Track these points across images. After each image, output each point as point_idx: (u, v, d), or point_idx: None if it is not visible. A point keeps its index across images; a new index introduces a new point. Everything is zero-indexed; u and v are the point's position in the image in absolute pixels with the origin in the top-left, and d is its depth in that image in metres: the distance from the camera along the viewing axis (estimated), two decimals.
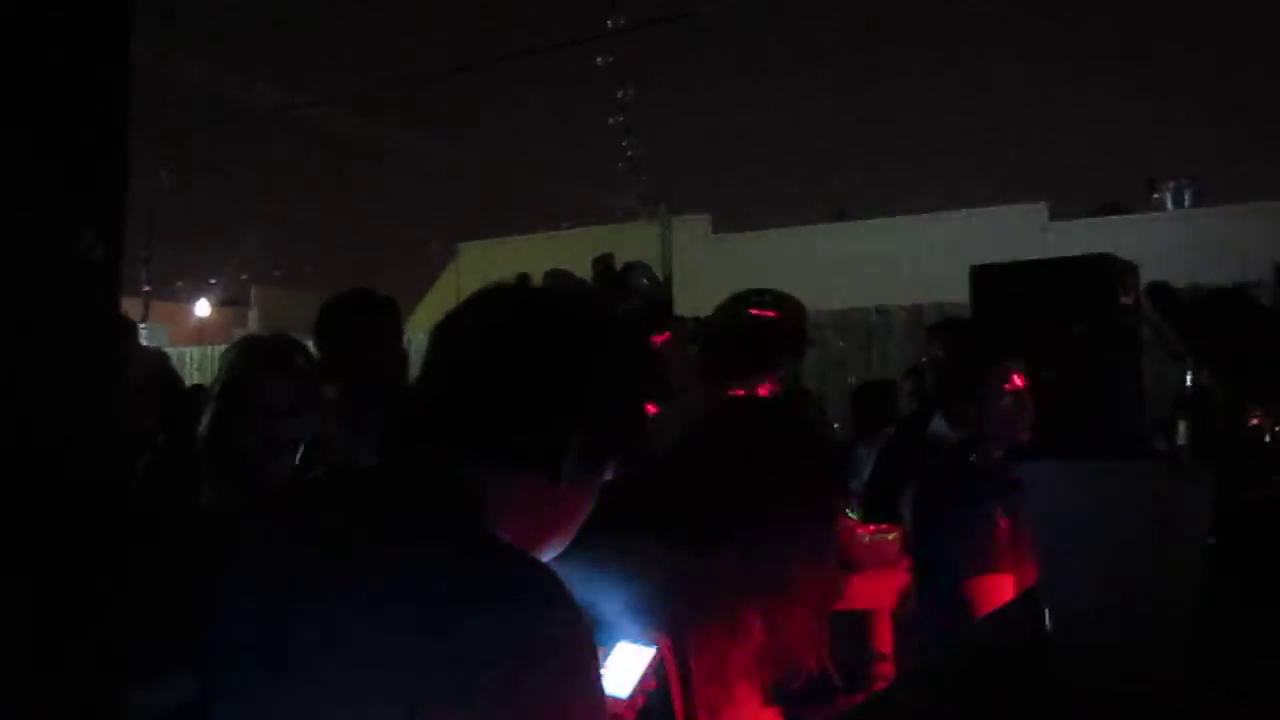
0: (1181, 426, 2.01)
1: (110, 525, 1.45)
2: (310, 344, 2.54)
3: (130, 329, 2.74)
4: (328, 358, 2.54)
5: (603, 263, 3.89)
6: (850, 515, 2.59)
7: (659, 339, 2.35)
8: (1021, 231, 12.48)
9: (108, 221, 1.43)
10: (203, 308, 22.91)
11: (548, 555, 1.08)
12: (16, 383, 1.33)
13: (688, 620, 1.53)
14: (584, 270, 3.77)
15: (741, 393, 2.19)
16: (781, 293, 2.36)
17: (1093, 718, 1.09)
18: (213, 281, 21.85)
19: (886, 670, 2.39)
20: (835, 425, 5.14)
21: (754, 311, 2.26)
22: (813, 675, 1.74)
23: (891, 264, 12.92)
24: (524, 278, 1.24)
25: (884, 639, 2.61)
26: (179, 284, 21.14)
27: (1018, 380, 2.58)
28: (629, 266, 3.82)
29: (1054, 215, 13.74)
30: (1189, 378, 2.22)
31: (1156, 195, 13.79)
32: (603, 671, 1.29)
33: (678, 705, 1.39)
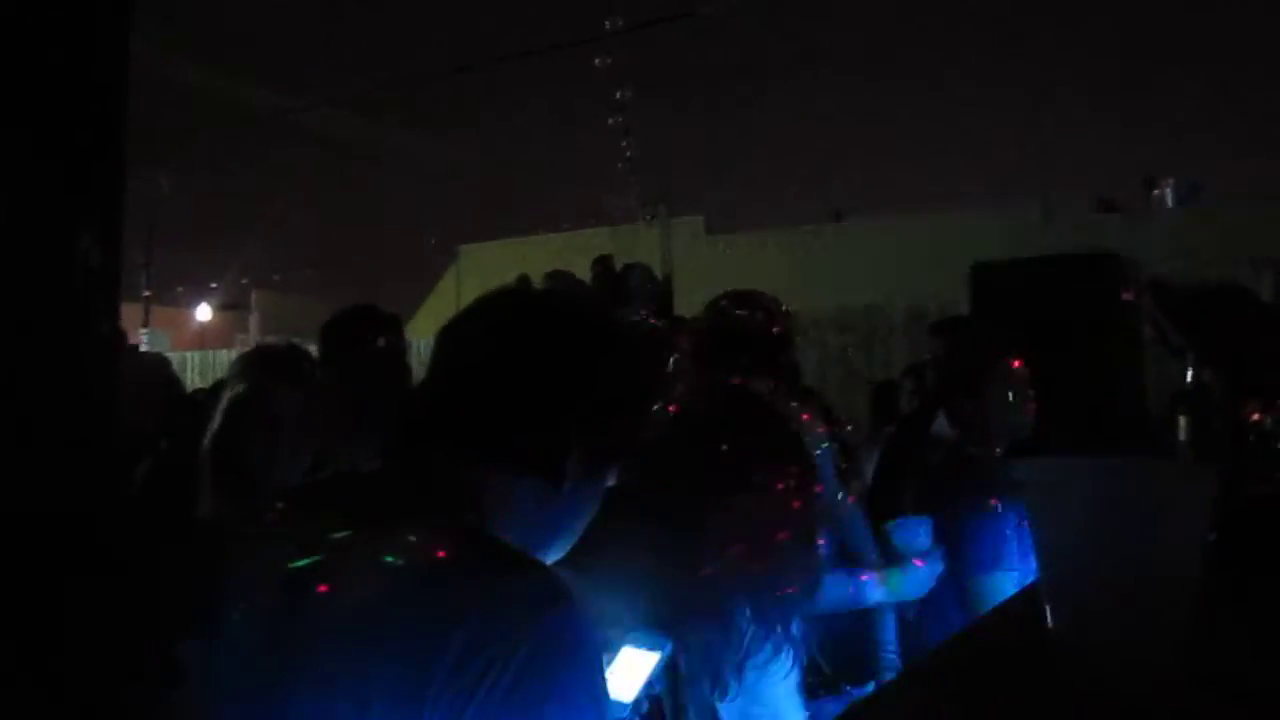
0: (1182, 423, 2.00)
1: (109, 529, 1.45)
2: (312, 351, 2.56)
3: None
4: (330, 371, 2.55)
5: (602, 264, 3.90)
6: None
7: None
8: (1020, 228, 12.49)
9: (106, 226, 1.44)
10: (203, 312, 22.92)
11: (551, 558, 1.08)
12: (16, 387, 1.33)
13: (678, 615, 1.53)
14: (584, 271, 3.78)
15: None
16: (766, 293, 2.37)
17: (1093, 714, 1.09)
18: (213, 286, 21.85)
19: (892, 664, 2.39)
20: (849, 427, 5.14)
21: (740, 312, 2.27)
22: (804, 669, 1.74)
23: (890, 262, 12.92)
24: (524, 279, 1.24)
25: (887, 634, 2.62)
26: (179, 289, 21.14)
27: (1018, 378, 2.58)
28: (628, 267, 3.83)
29: (1053, 212, 13.74)
30: (1189, 374, 2.21)
31: (1155, 192, 13.79)
32: (606, 675, 1.29)
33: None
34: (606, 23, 10.49)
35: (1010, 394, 2.56)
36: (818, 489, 2.05)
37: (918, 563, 2.22)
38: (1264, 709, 1.11)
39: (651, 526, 1.64)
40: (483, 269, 15.20)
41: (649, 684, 1.30)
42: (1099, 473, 1.24)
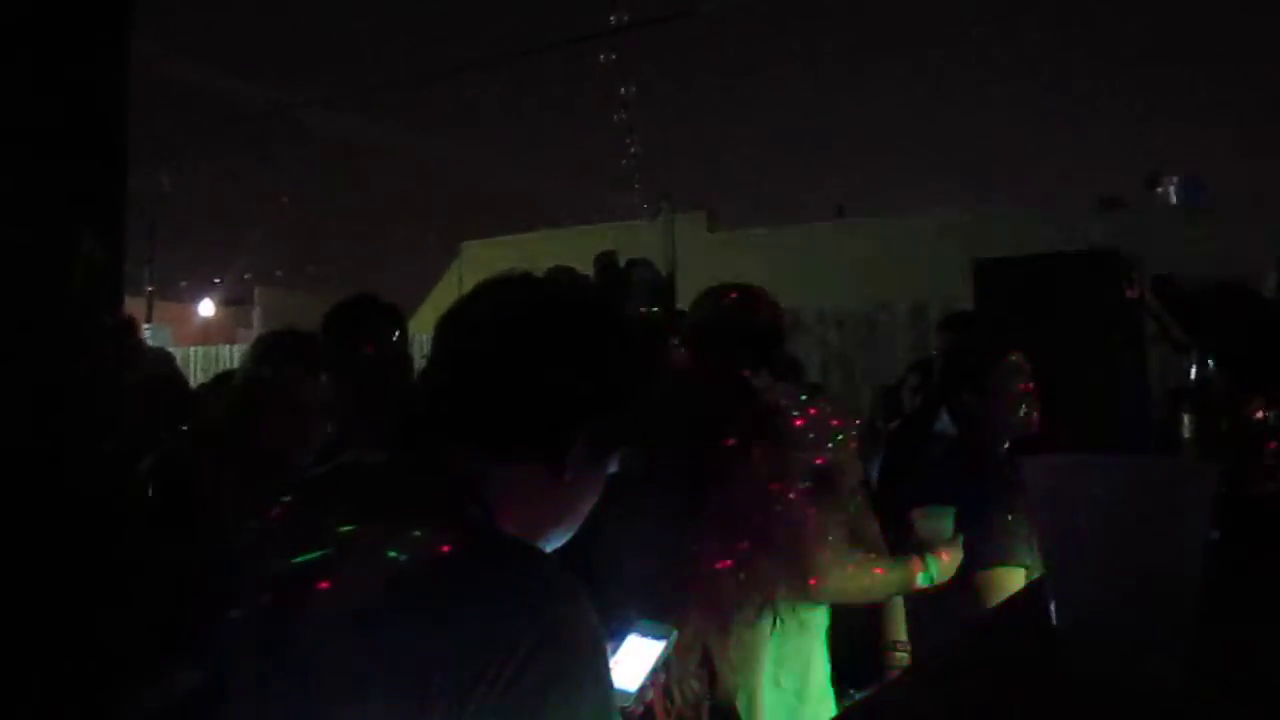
0: (1185, 421, 2.00)
1: (112, 525, 1.45)
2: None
3: (128, 322, 2.76)
4: (332, 361, 2.56)
5: (605, 260, 3.90)
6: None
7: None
8: (1024, 226, 12.48)
9: (108, 223, 1.44)
10: (206, 308, 22.94)
11: (552, 546, 1.08)
12: (20, 384, 1.33)
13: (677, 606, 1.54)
14: (586, 267, 3.77)
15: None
16: (753, 287, 2.36)
17: (1097, 709, 1.09)
18: (216, 281, 21.88)
19: (900, 659, 2.40)
20: (858, 421, 5.13)
21: (731, 304, 2.26)
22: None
23: (893, 259, 12.92)
24: (523, 273, 1.23)
25: (897, 627, 2.62)
26: (182, 284, 21.19)
27: (1022, 374, 2.58)
28: (632, 263, 3.82)
29: (1056, 209, 13.74)
30: (1193, 371, 2.21)
31: (1159, 190, 13.78)
32: (613, 664, 1.29)
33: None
34: (611, 19, 10.49)
35: (1014, 390, 2.56)
36: (833, 478, 2.05)
37: (944, 555, 2.22)
38: (1267, 702, 1.11)
39: (650, 516, 1.64)
40: (485, 266, 15.15)
41: (654, 672, 1.30)
42: (1103, 470, 1.23)
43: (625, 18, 10.55)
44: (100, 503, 1.42)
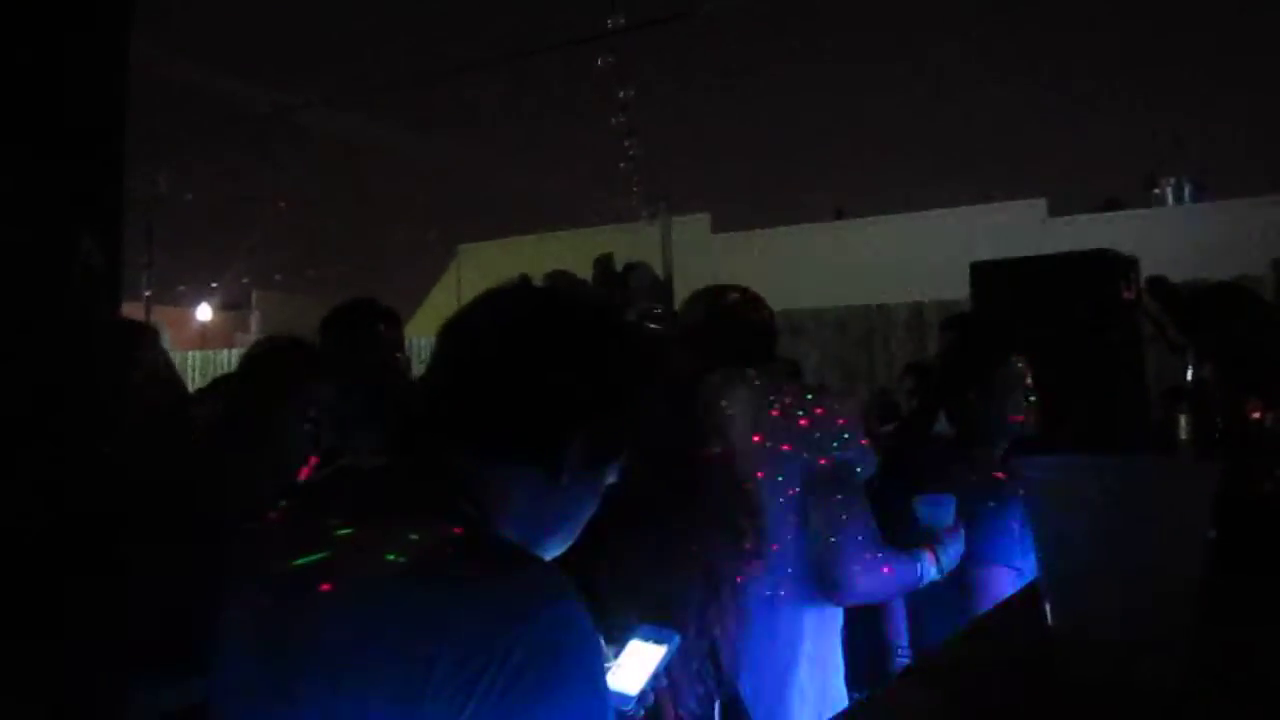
0: (1182, 421, 2.00)
1: (112, 528, 1.45)
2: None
3: (152, 335, 2.75)
4: (330, 365, 2.56)
5: (603, 263, 3.89)
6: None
7: None
8: (1021, 227, 12.49)
9: (106, 227, 1.44)
10: (204, 312, 22.92)
11: (550, 553, 1.08)
12: (19, 385, 1.33)
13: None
14: (585, 270, 3.77)
15: None
16: (746, 288, 2.35)
17: (1093, 711, 1.09)
18: (214, 286, 21.87)
19: (902, 662, 2.39)
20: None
21: (722, 305, 2.25)
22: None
23: (891, 261, 12.92)
24: (525, 278, 1.24)
25: (898, 629, 2.61)
26: (180, 288, 21.17)
27: (1018, 376, 2.59)
28: (629, 266, 3.82)
29: (1054, 211, 13.75)
30: (1190, 372, 2.21)
31: (1156, 191, 13.79)
32: (615, 668, 1.29)
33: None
34: (609, 22, 10.50)
35: (1013, 392, 2.57)
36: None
37: (950, 544, 2.21)
38: (1265, 702, 1.11)
39: (647, 525, 1.64)
40: (483, 268, 15.20)
41: (655, 677, 1.30)
42: (1100, 471, 1.24)
43: (623, 20, 10.56)
44: (99, 504, 1.42)
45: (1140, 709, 1.09)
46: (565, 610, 0.88)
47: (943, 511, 2.22)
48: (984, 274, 4.64)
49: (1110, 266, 4.42)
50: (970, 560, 2.29)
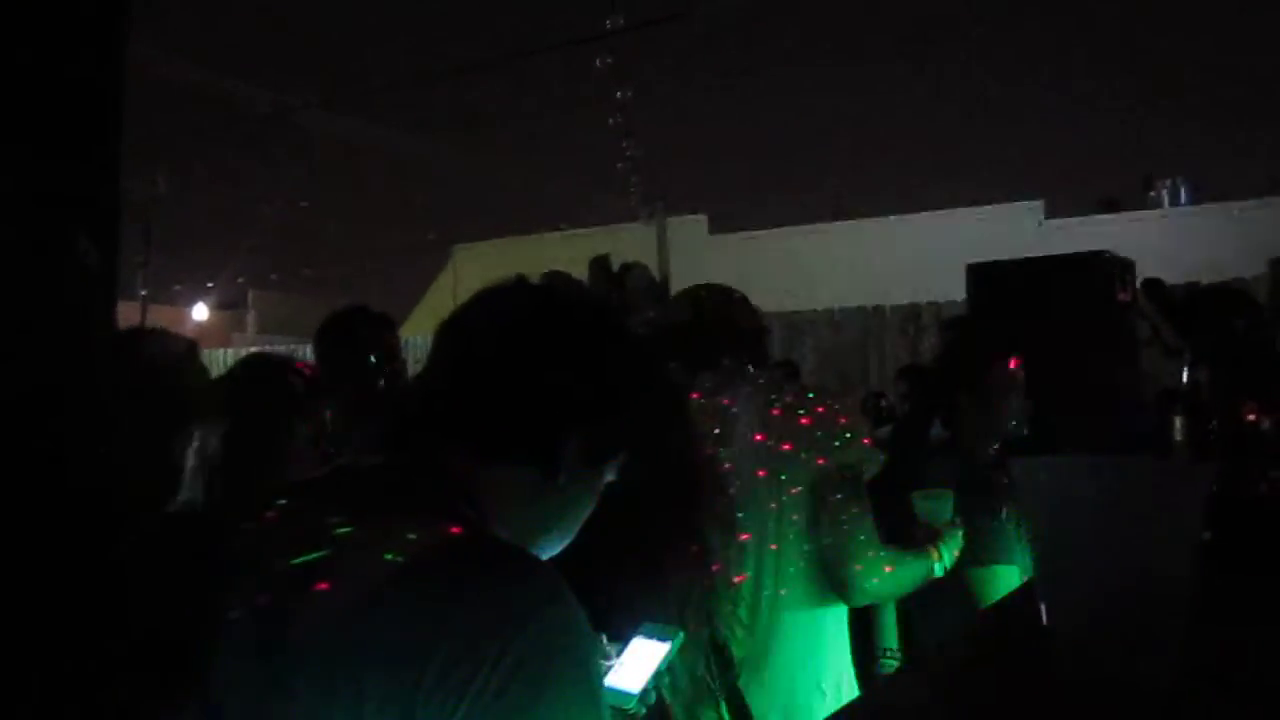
0: (1177, 423, 2.01)
1: (110, 531, 1.45)
2: (308, 350, 2.57)
3: (192, 349, 2.74)
4: (326, 371, 2.57)
5: (600, 263, 3.89)
6: None
7: None
8: (1018, 229, 12.51)
9: (102, 227, 1.43)
10: (200, 312, 22.88)
11: (548, 552, 1.08)
12: (14, 390, 1.33)
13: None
14: (581, 271, 3.77)
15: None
16: (729, 287, 2.34)
17: (1089, 710, 1.10)
18: (210, 285, 21.83)
19: (893, 667, 2.39)
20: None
21: (707, 305, 2.25)
22: None
23: (888, 263, 12.93)
24: (521, 278, 1.24)
25: (887, 634, 2.61)
26: (176, 288, 21.11)
27: (1012, 378, 2.59)
28: (626, 267, 3.82)
29: (1051, 213, 13.77)
30: (1185, 374, 2.22)
31: (1153, 193, 13.81)
32: (617, 666, 1.29)
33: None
34: (607, 22, 10.49)
35: (1007, 394, 2.57)
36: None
37: (950, 540, 2.21)
38: (1257, 701, 1.12)
39: (646, 525, 1.64)
40: (479, 268, 15.18)
41: (658, 674, 1.30)
42: (1096, 471, 1.24)
43: (621, 20, 10.55)
44: (99, 504, 1.42)
45: (1136, 708, 1.09)
46: (561, 612, 0.88)
47: (941, 507, 2.22)
48: (981, 275, 4.65)
49: (1107, 268, 4.43)
50: (964, 561, 2.29)
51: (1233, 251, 9.25)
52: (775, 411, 2.06)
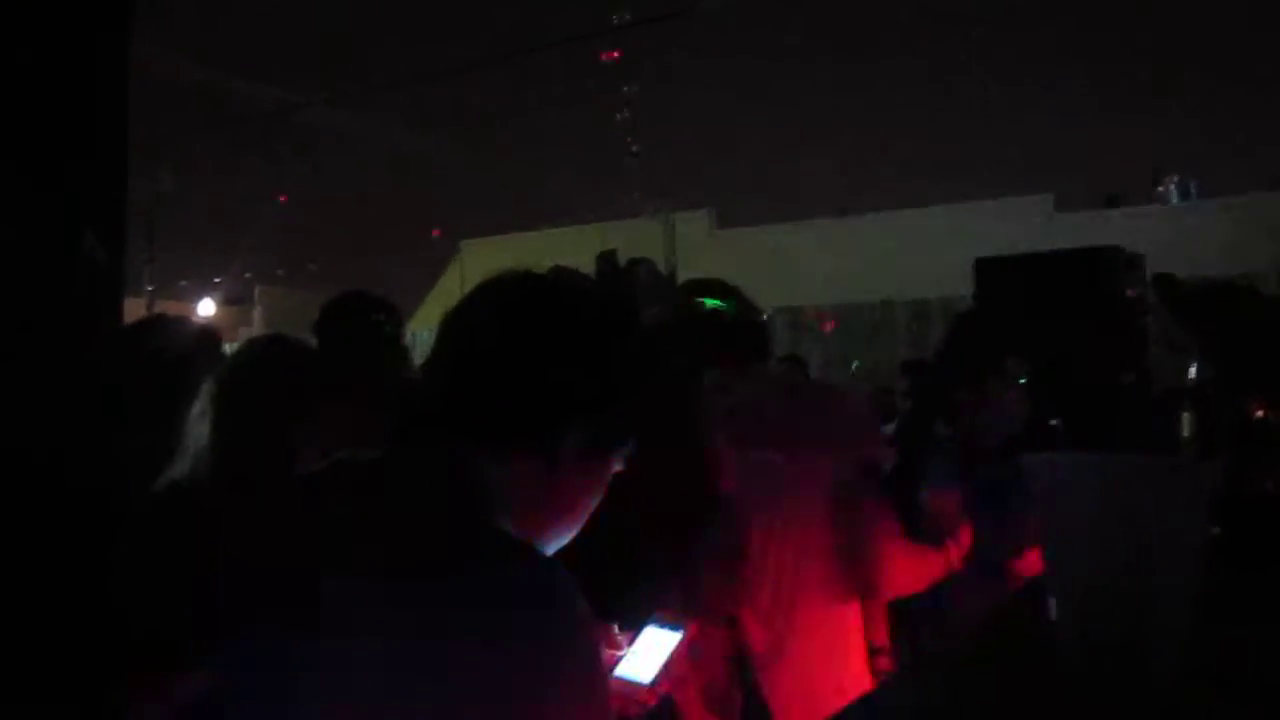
0: (1185, 419, 2.00)
1: (114, 528, 1.45)
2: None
3: (213, 338, 2.73)
4: (328, 358, 2.55)
5: (606, 259, 3.89)
6: None
7: None
8: (1025, 224, 12.46)
9: (109, 222, 1.43)
10: (207, 307, 22.91)
11: (553, 546, 1.08)
12: (20, 386, 1.33)
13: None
14: (588, 266, 3.76)
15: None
16: (720, 280, 2.33)
17: (1095, 707, 1.10)
18: (217, 281, 21.85)
19: (883, 665, 2.38)
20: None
21: (707, 301, 2.23)
22: None
23: (895, 258, 12.90)
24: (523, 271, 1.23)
25: (880, 632, 2.61)
26: (183, 283, 21.14)
27: (1014, 373, 2.58)
28: (633, 262, 3.81)
29: (1058, 208, 13.72)
30: (1193, 370, 2.21)
31: (1160, 188, 13.75)
32: (630, 655, 1.29)
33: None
34: (614, 18, 10.48)
35: (1005, 391, 2.56)
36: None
37: (963, 536, 2.20)
38: (1265, 699, 1.11)
39: (658, 520, 1.64)
40: (485, 264, 15.06)
41: (668, 663, 1.30)
42: (1102, 468, 1.24)
43: (627, 16, 10.54)
44: (98, 504, 1.42)
45: (1141, 705, 1.09)
46: (565, 604, 0.88)
47: (949, 503, 2.22)
48: (989, 270, 4.64)
49: (1115, 263, 4.42)
50: (966, 560, 2.29)
51: (1241, 246, 9.21)
52: (783, 406, 2.06)
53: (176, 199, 14.78)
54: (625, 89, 11.62)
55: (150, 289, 15.65)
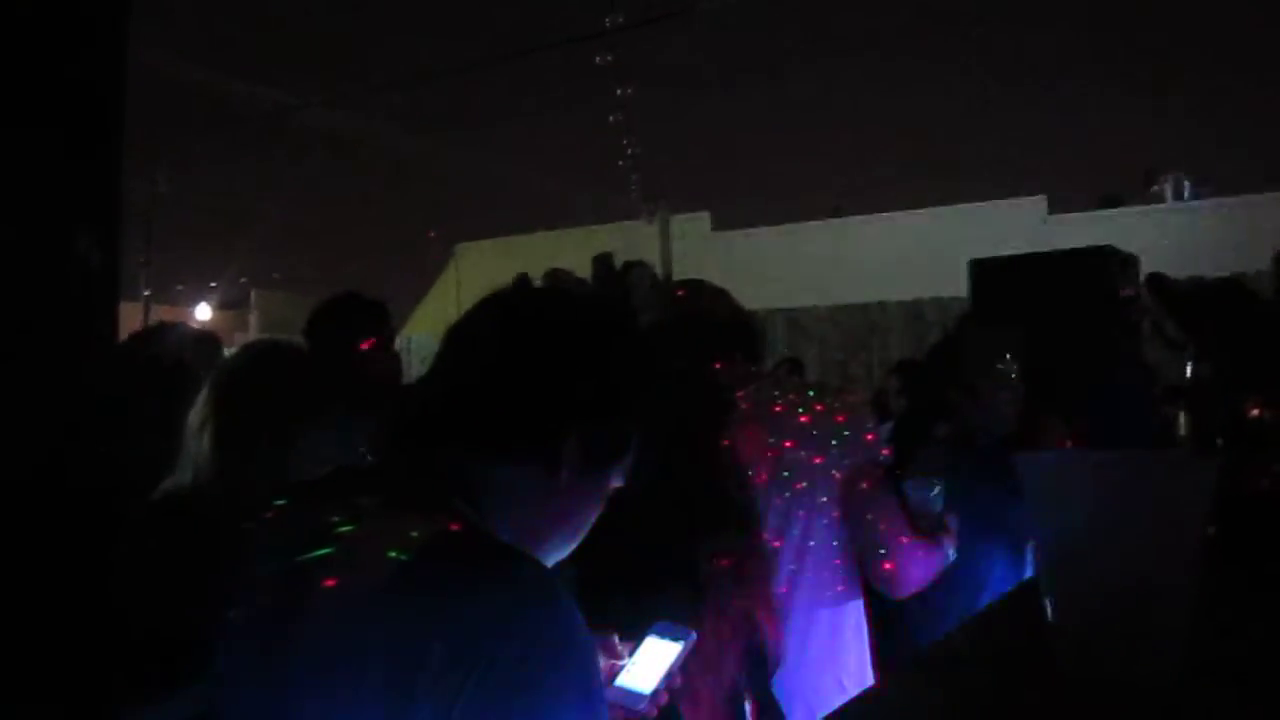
0: (1181, 417, 2.01)
1: (112, 531, 1.45)
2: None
3: (214, 344, 2.72)
4: (319, 360, 2.54)
5: (602, 261, 3.89)
6: None
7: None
8: (1021, 225, 12.49)
9: (104, 226, 1.43)
10: (203, 311, 22.90)
11: (553, 557, 1.07)
12: (15, 392, 1.33)
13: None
14: (584, 269, 3.76)
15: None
16: (704, 280, 2.32)
17: (1092, 705, 1.10)
18: (213, 285, 21.84)
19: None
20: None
21: (693, 303, 2.23)
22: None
23: (890, 259, 12.92)
24: (523, 277, 1.24)
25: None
26: (179, 288, 21.13)
27: (1007, 373, 2.59)
28: (629, 265, 3.81)
29: (1053, 209, 13.75)
30: (1189, 369, 2.22)
31: (1155, 188, 13.78)
32: (630, 665, 1.28)
33: None
34: (606, 20, 10.49)
35: (997, 391, 2.57)
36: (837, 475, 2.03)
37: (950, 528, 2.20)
38: (1262, 697, 1.11)
39: (663, 524, 1.64)
40: (481, 267, 15.18)
41: (670, 674, 1.30)
42: (1099, 467, 1.24)
43: (621, 18, 10.55)
44: (99, 504, 1.42)
45: (1138, 703, 1.09)
46: (557, 613, 0.87)
47: (933, 495, 2.22)
48: (984, 271, 4.64)
49: (1110, 264, 4.42)
50: (960, 557, 2.29)
51: (1236, 246, 9.23)
52: (778, 408, 2.06)
53: (174, 200, 14.78)
54: (622, 92, 11.62)
55: (147, 293, 15.65)
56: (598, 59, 10.97)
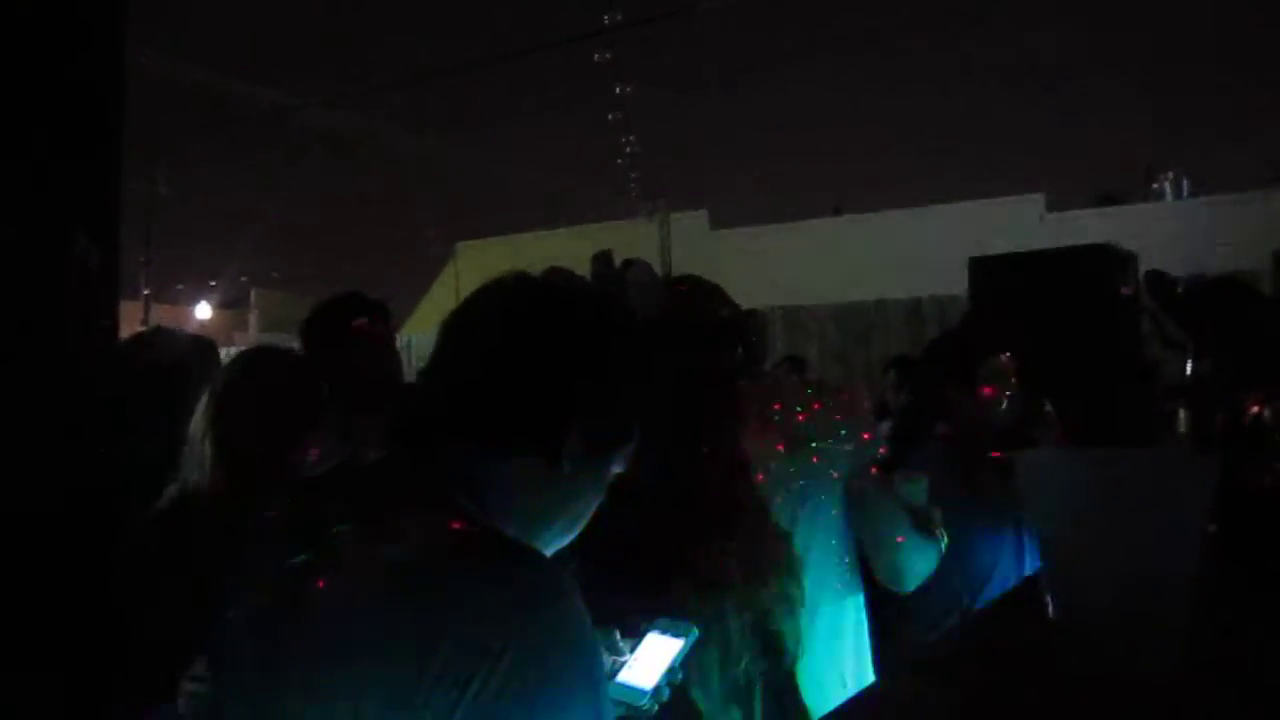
0: (1181, 415, 2.01)
1: (110, 534, 1.45)
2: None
3: (211, 348, 2.71)
4: (318, 359, 2.53)
5: (601, 260, 3.88)
6: None
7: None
8: (1020, 222, 12.50)
9: (103, 226, 1.43)
10: (203, 310, 22.90)
11: (552, 547, 1.07)
12: (14, 390, 1.33)
13: None
14: (583, 267, 3.76)
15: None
16: (701, 278, 2.32)
17: (1094, 704, 1.10)
18: (213, 284, 21.83)
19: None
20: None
21: (692, 300, 2.23)
22: None
23: (890, 257, 12.93)
24: (523, 274, 1.23)
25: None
26: (179, 287, 21.14)
27: (1004, 370, 2.59)
28: (628, 263, 3.81)
29: (1052, 206, 13.76)
30: (1188, 366, 2.22)
31: (1155, 185, 13.79)
32: (631, 662, 1.28)
33: None
34: (606, 18, 10.48)
35: (997, 388, 2.57)
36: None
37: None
38: (1263, 695, 1.11)
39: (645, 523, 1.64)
40: (481, 266, 15.10)
41: (671, 671, 1.29)
42: (1099, 464, 1.24)
43: (620, 16, 10.55)
44: (98, 504, 1.42)
45: (1139, 701, 1.09)
46: (562, 607, 0.88)
47: (919, 488, 2.22)
48: (982, 269, 4.64)
49: (1109, 261, 4.42)
50: (961, 555, 2.29)
51: (1235, 244, 9.23)
52: (776, 406, 2.06)
53: (173, 202, 14.78)
54: (621, 90, 11.61)
55: (146, 293, 15.64)
56: (596, 57, 10.97)
